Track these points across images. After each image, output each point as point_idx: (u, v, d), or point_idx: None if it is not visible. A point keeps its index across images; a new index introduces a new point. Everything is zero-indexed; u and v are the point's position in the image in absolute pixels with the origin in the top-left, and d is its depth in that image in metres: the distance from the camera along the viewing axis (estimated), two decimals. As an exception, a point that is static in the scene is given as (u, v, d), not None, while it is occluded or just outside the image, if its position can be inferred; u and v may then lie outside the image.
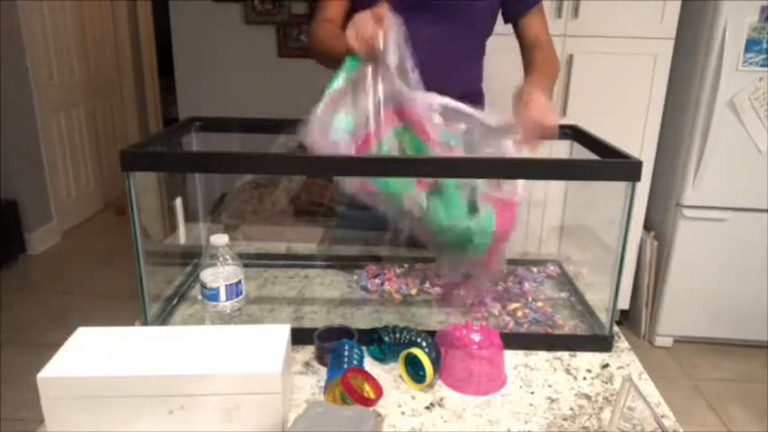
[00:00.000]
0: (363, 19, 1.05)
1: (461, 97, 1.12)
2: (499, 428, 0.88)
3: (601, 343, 1.09)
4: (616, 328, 1.12)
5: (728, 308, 2.53)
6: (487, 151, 1.11)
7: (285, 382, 0.84)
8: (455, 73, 1.34)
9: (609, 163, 1.06)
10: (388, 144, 1.08)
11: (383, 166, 1.02)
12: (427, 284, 1.27)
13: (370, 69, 1.07)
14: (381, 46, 1.04)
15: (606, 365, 1.04)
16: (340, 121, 1.08)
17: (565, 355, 1.07)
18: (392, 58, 1.05)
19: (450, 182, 1.07)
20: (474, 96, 1.41)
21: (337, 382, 0.87)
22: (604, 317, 1.12)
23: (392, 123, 1.08)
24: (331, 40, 1.23)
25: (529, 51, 1.39)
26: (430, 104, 1.09)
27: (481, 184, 1.08)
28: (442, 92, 1.10)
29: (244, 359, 0.83)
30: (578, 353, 1.07)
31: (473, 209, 1.08)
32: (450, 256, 1.18)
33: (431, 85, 1.10)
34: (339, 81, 1.10)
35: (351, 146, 1.08)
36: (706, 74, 2.30)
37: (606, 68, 2.37)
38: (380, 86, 1.07)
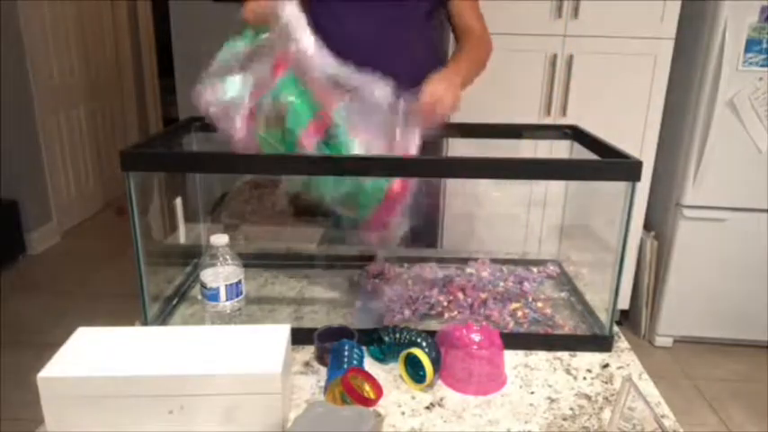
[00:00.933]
0: None
1: (409, 84, 1.12)
2: (499, 428, 0.88)
3: (601, 343, 1.09)
4: (616, 328, 1.12)
5: (728, 308, 2.53)
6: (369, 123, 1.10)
7: (285, 382, 0.84)
8: (396, 59, 1.32)
9: (609, 163, 1.06)
10: (273, 97, 1.07)
11: (385, 166, 1.02)
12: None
13: (267, 39, 1.08)
14: (277, 18, 1.05)
15: (606, 365, 1.04)
16: (231, 83, 1.08)
17: (565, 355, 1.07)
18: (289, 23, 1.05)
19: (343, 131, 1.06)
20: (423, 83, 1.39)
21: (337, 382, 0.87)
22: (604, 317, 1.12)
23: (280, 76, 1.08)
24: None
25: (459, 39, 1.39)
26: (323, 63, 1.08)
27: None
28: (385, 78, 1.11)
29: (244, 359, 0.83)
30: (578, 353, 1.07)
31: None
32: (345, 210, 1.16)
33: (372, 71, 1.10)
34: (234, 46, 1.11)
35: (241, 109, 1.07)
36: (706, 74, 2.30)
37: (606, 68, 2.37)
38: (276, 53, 1.07)
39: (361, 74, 1.08)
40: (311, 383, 0.96)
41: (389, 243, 1.24)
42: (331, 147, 1.06)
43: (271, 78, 1.07)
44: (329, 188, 1.11)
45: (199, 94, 1.08)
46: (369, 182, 1.07)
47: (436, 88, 1.16)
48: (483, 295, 1.22)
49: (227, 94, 1.08)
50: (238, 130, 1.07)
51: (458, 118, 1.30)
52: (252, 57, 1.10)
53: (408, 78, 1.20)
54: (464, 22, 1.40)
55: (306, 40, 1.05)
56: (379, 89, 1.09)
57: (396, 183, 1.08)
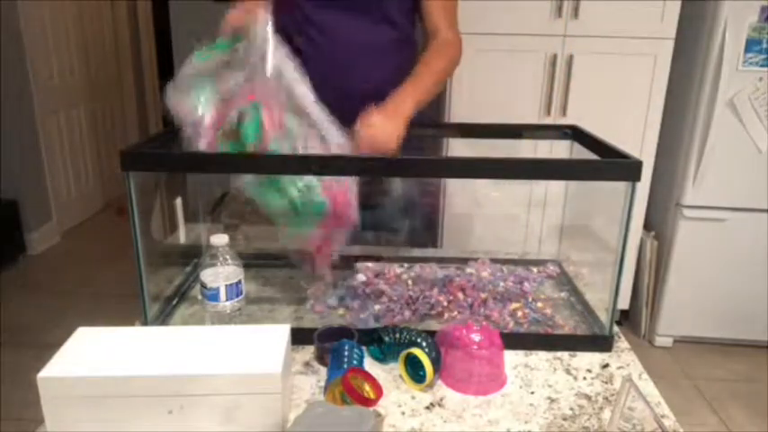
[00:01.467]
0: (240, 6, 1.13)
1: (363, 95, 1.11)
2: (499, 428, 0.88)
3: (601, 343, 1.09)
4: (616, 328, 1.12)
5: (728, 308, 2.53)
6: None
7: (285, 382, 0.84)
8: (357, 67, 1.30)
9: (609, 163, 1.06)
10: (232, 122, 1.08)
11: (386, 167, 1.02)
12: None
13: (240, 50, 1.11)
14: (252, 31, 1.08)
15: (606, 365, 1.04)
16: (202, 89, 1.09)
17: (565, 355, 1.07)
18: (262, 45, 1.07)
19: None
20: (379, 97, 1.22)
21: (337, 382, 0.87)
22: (604, 317, 1.12)
23: (246, 101, 1.08)
24: None
25: (426, 42, 1.32)
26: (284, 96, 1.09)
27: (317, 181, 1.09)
28: (343, 85, 1.10)
29: (244, 359, 0.83)
30: (578, 353, 1.07)
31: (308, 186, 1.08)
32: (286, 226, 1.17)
33: (332, 77, 1.09)
34: (210, 54, 1.13)
35: (206, 116, 1.09)
36: (706, 74, 2.30)
37: (606, 68, 2.37)
38: (247, 68, 1.08)
39: (321, 112, 1.09)
40: (311, 383, 0.96)
41: (323, 269, 1.23)
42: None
43: (243, 96, 1.08)
44: (274, 202, 1.11)
45: (172, 89, 1.10)
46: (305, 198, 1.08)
47: (372, 125, 1.12)
48: (483, 295, 1.22)
49: (196, 98, 1.09)
50: (201, 137, 1.09)
51: (458, 118, 1.30)
52: (224, 65, 1.11)
53: (393, 81, 1.20)
54: (432, 23, 1.32)
55: (271, 64, 1.07)
56: (332, 132, 1.09)
57: (335, 202, 1.09)
